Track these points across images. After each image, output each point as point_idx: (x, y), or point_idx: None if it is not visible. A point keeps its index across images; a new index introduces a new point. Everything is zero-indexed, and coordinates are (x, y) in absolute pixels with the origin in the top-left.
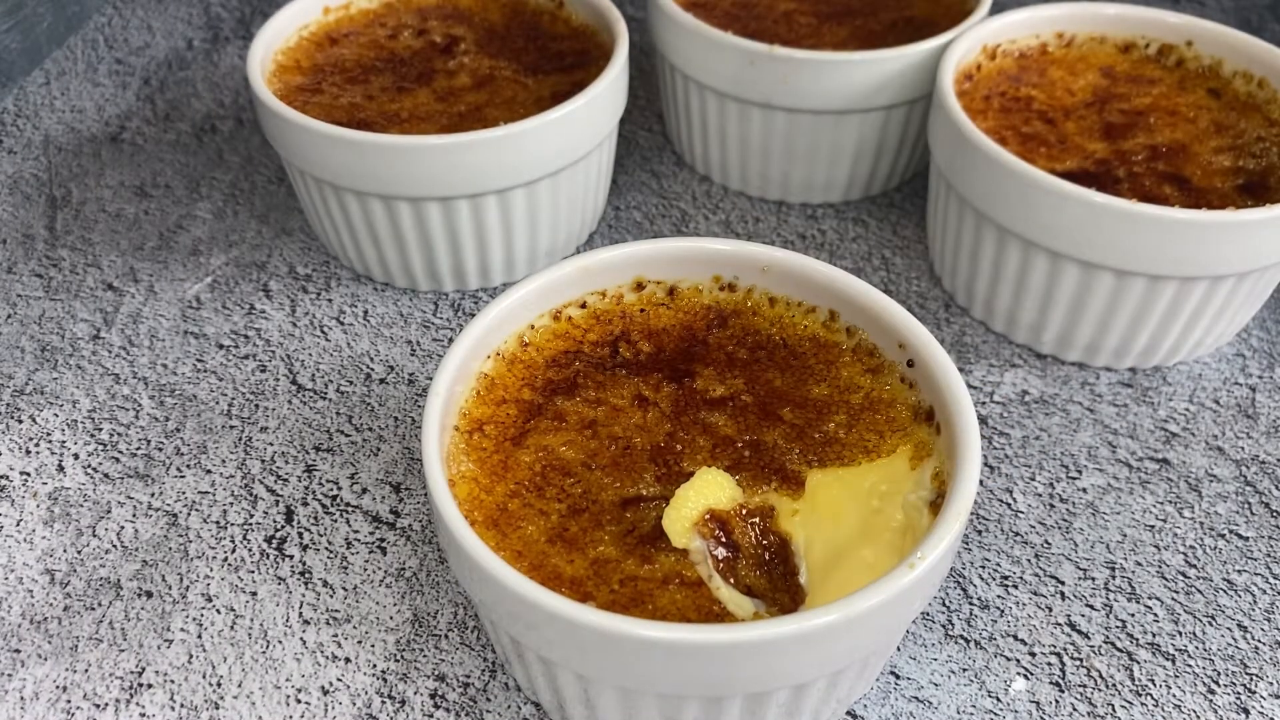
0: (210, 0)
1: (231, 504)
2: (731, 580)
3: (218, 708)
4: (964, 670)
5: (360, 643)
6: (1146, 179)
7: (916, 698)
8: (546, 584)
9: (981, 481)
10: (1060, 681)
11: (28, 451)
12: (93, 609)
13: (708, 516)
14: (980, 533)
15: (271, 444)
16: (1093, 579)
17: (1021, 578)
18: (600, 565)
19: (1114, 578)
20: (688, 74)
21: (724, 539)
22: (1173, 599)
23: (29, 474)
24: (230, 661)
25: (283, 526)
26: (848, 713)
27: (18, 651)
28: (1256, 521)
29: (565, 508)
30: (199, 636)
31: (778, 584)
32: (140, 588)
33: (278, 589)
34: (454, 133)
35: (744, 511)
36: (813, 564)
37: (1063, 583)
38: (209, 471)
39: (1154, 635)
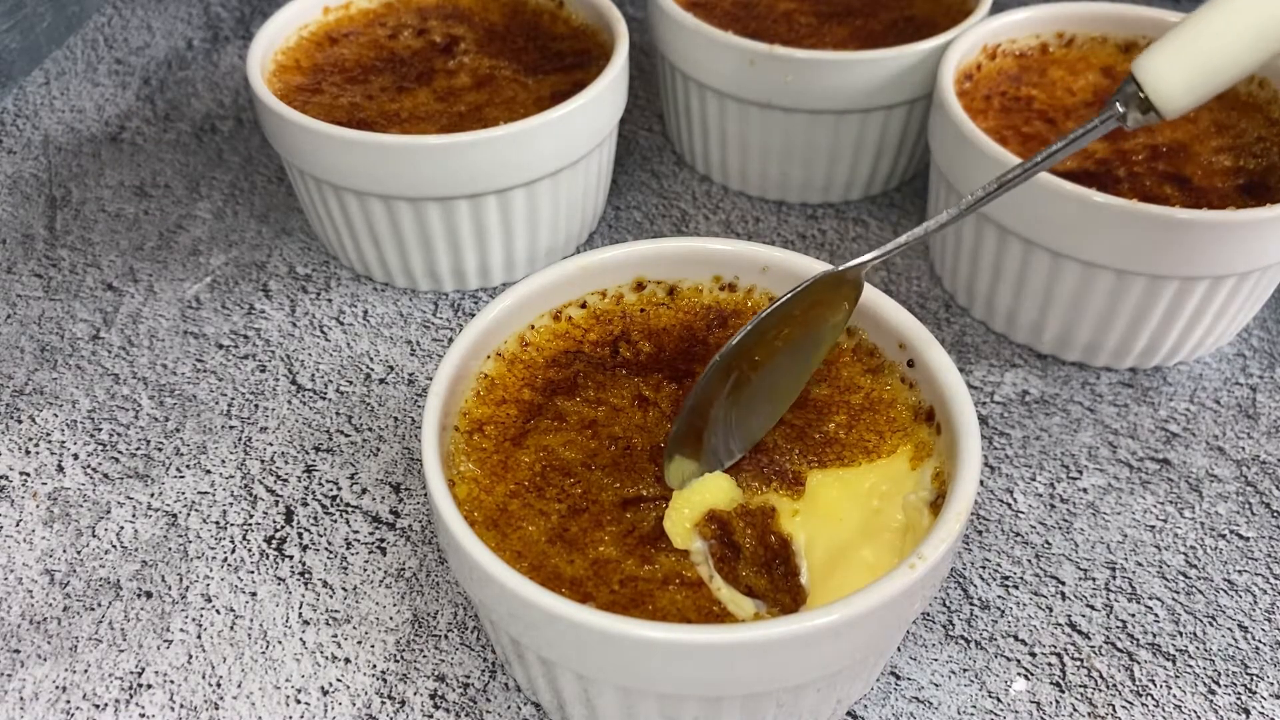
0: (210, 0)
1: (231, 504)
2: (732, 581)
3: (217, 708)
4: (964, 670)
5: (360, 643)
6: (1147, 179)
7: (917, 698)
8: (546, 584)
9: (982, 481)
10: (1061, 682)
11: (27, 451)
12: (92, 609)
13: (708, 517)
14: (981, 533)
15: (271, 444)
16: (1093, 579)
17: (1022, 578)
18: (600, 566)
19: (1114, 578)
20: (688, 74)
21: (724, 539)
22: (1173, 599)
23: (29, 474)
24: (230, 662)
25: (282, 527)
26: (848, 713)
27: (17, 652)
28: (1257, 522)
29: (565, 508)
30: (199, 637)
31: (779, 584)
32: (140, 588)
33: (277, 589)
34: (454, 133)
35: (744, 512)
36: (813, 564)
37: (1063, 583)
38: (209, 472)
39: (1154, 635)
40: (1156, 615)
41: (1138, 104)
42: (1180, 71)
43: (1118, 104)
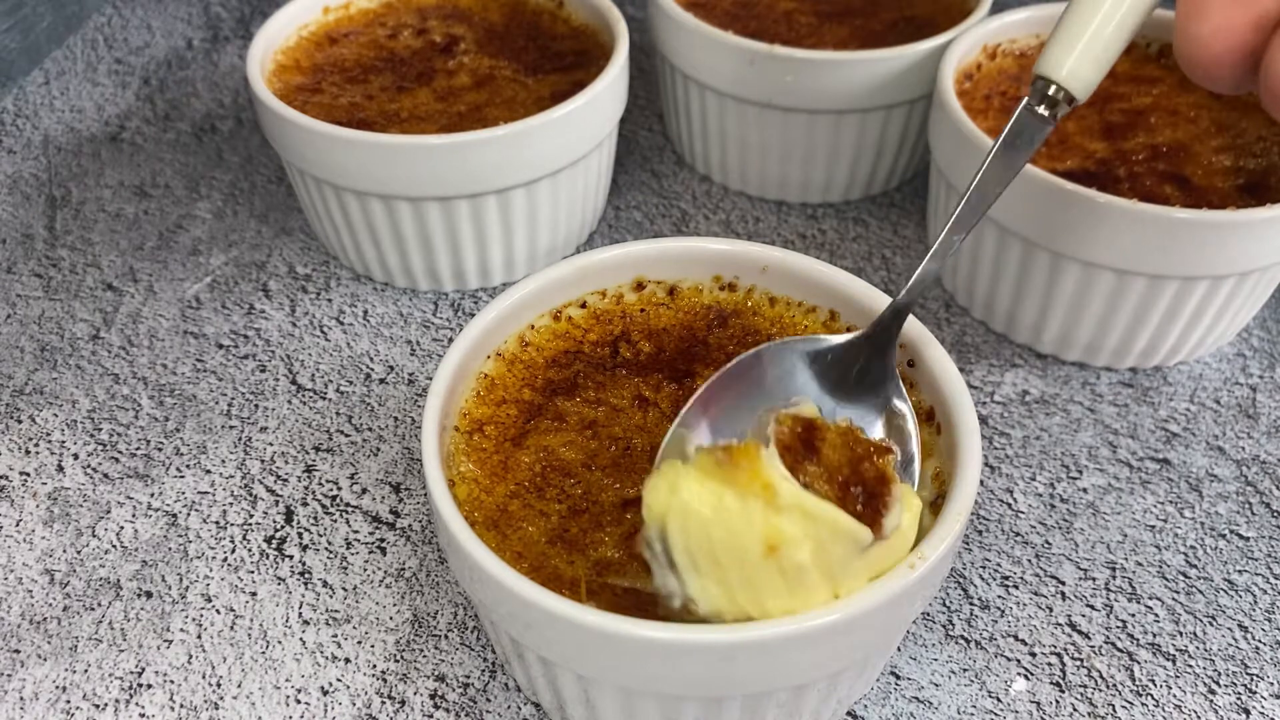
0: (210, 0)
1: (231, 504)
2: (801, 480)
3: (217, 708)
4: (964, 670)
5: (360, 643)
6: (1147, 179)
7: (917, 698)
8: (547, 585)
9: (982, 481)
10: (1061, 682)
11: (27, 451)
12: (92, 609)
13: (801, 428)
14: (981, 533)
15: (271, 444)
16: (1093, 579)
17: (1022, 578)
18: (601, 566)
19: (1114, 578)
20: (688, 74)
21: (805, 439)
22: (1173, 599)
23: (29, 474)
24: (230, 662)
25: (282, 526)
26: (848, 713)
27: (17, 652)
28: (1257, 522)
29: (565, 508)
30: (199, 637)
31: (851, 509)
32: (140, 588)
33: (277, 589)
34: (454, 132)
35: (843, 430)
36: None
37: (1063, 583)
38: (209, 471)
39: (1154, 635)
40: (1156, 615)
41: (1049, 100)
42: (1083, 58)
43: (1035, 106)
